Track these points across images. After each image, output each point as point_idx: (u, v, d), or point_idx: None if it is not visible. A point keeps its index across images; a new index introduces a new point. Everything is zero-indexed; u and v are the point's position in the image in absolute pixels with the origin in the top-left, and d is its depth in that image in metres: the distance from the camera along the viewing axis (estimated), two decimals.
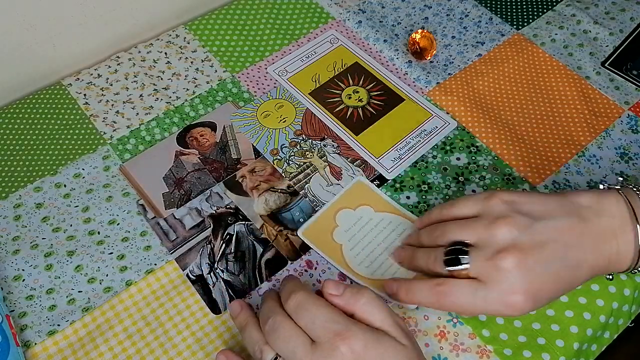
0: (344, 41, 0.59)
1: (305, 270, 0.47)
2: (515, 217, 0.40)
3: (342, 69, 0.59)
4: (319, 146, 0.54)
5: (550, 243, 0.40)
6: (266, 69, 0.61)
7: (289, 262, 0.48)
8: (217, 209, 0.50)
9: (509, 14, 0.66)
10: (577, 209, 0.41)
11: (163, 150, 0.54)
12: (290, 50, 0.63)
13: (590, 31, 0.64)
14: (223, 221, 0.50)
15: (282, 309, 0.39)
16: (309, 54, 0.58)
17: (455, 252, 0.41)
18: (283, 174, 0.52)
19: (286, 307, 0.39)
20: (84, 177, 0.53)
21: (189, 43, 0.63)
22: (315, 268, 0.47)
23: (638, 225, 0.40)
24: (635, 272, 0.43)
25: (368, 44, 0.63)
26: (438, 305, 0.41)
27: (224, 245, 0.48)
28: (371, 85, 0.58)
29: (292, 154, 0.54)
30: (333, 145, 0.54)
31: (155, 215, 0.50)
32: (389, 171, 0.53)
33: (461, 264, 0.40)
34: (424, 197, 0.52)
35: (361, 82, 0.59)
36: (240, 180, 0.52)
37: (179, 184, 0.52)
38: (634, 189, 0.42)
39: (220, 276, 0.47)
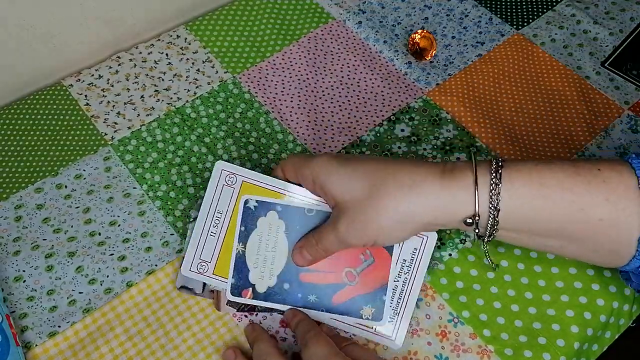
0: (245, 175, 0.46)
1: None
2: None
3: None
4: None
5: None
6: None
7: None
8: None
9: (509, 14, 0.66)
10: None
11: None
12: (290, 50, 0.63)
13: (590, 31, 0.64)
14: None
15: (277, 349, 0.42)
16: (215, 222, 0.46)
17: None
18: None
19: (300, 342, 0.41)
20: (84, 178, 0.53)
21: (190, 44, 0.63)
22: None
23: (477, 191, 0.39)
24: (480, 238, 0.42)
25: (368, 45, 0.63)
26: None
27: None
28: None
29: None
30: None
31: None
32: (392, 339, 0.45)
33: None
34: None
35: None
36: None
37: None
38: (494, 162, 0.40)
39: None
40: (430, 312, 0.46)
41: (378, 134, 0.56)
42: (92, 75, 0.61)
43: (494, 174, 0.39)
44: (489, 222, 0.40)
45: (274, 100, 0.59)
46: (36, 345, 0.44)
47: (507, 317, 0.46)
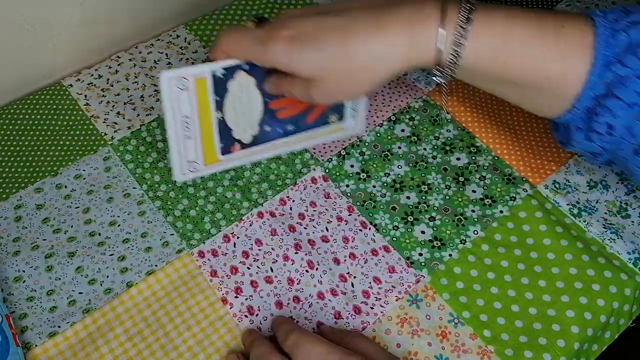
0: None
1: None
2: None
3: None
4: None
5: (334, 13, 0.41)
6: None
7: None
8: None
9: None
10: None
11: None
12: None
13: None
14: None
15: (275, 350, 0.41)
16: None
17: None
18: None
19: (284, 347, 0.41)
20: (84, 178, 0.53)
21: (189, 43, 0.63)
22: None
23: (441, 29, 0.39)
24: (439, 74, 0.42)
25: None
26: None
27: None
28: None
29: None
30: None
31: None
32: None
33: None
34: (423, 197, 0.52)
35: None
36: None
37: None
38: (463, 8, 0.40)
39: None
40: (431, 312, 0.46)
41: (378, 134, 0.56)
42: (92, 75, 0.61)
43: (462, 26, 0.40)
44: (448, 69, 0.41)
45: None
46: (36, 345, 0.44)
47: (507, 318, 0.46)
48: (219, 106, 0.45)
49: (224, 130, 0.46)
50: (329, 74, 0.41)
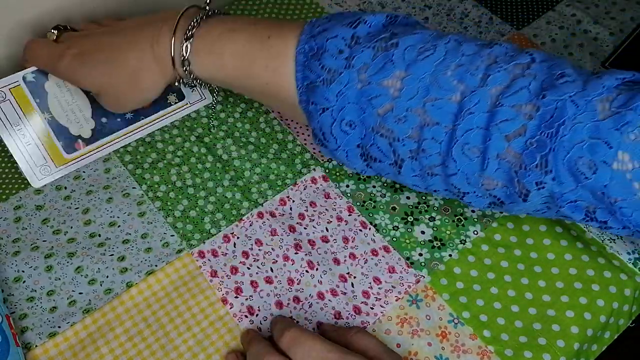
0: None
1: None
2: None
3: None
4: None
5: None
6: None
7: None
8: None
9: (509, 13, 0.66)
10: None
11: None
12: None
13: (590, 31, 0.64)
14: None
15: (273, 349, 0.41)
16: None
17: None
18: None
19: (280, 343, 0.40)
20: (84, 179, 0.53)
21: None
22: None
23: (174, 38, 0.44)
24: (186, 83, 0.47)
25: None
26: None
27: None
28: None
29: None
30: None
31: None
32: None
33: None
34: (423, 197, 0.52)
35: None
36: None
37: None
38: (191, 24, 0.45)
39: None
40: (431, 312, 0.46)
41: None
42: None
43: (187, 39, 0.44)
44: (188, 79, 0.46)
45: None
46: (36, 345, 0.44)
47: (507, 318, 0.46)
48: (44, 108, 0.49)
49: (59, 129, 0.49)
50: (109, 86, 0.46)
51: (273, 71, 0.43)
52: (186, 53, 0.44)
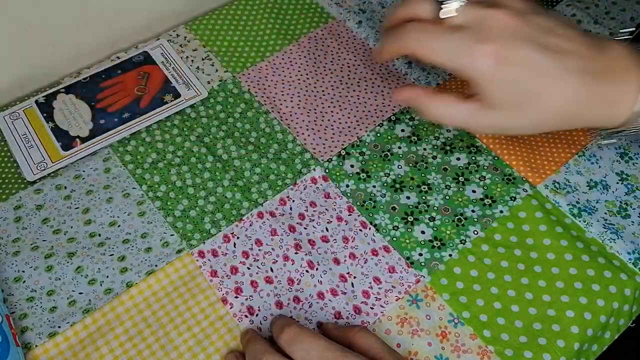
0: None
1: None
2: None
3: None
4: None
5: (554, 38, 0.39)
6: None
7: None
8: None
9: None
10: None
11: None
12: (290, 50, 0.62)
13: (590, 31, 0.64)
14: None
15: (271, 348, 0.40)
16: None
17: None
18: None
19: (279, 341, 0.40)
20: (84, 179, 0.53)
21: (189, 42, 0.63)
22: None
23: None
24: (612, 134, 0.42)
25: (368, 44, 0.63)
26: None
27: None
28: None
29: None
30: None
31: None
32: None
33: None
34: (423, 197, 0.52)
35: None
36: None
37: None
38: None
39: None
40: (431, 312, 0.46)
41: (378, 134, 0.56)
42: None
43: None
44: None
45: (274, 100, 0.59)
46: (36, 345, 0.44)
47: (507, 318, 0.46)
48: (49, 119, 0.55)
49: (59, 133, 0.55)
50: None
51: None
52: None
